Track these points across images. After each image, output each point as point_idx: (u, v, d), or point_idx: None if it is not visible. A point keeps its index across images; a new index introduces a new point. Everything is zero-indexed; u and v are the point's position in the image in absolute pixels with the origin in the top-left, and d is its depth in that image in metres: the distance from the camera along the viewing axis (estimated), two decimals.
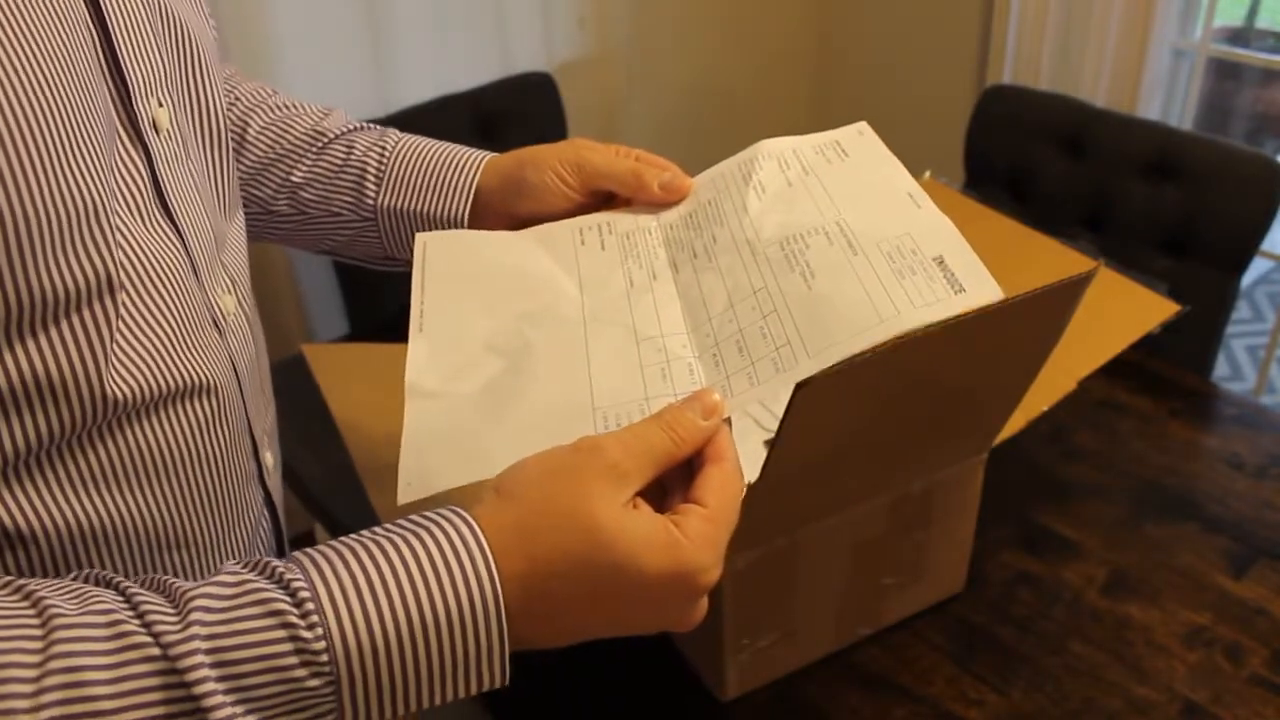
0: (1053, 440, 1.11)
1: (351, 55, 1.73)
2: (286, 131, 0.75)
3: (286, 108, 0.77)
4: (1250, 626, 0.88)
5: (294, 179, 0.73)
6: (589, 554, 0.42)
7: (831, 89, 2.46)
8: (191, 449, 0.51)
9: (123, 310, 0.46)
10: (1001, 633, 0.89)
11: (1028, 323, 0.69)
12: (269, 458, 0.61)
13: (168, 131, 0.51)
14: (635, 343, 0.56)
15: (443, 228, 0.71)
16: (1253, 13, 2.85)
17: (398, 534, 0.42)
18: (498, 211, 0.70)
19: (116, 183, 0.47)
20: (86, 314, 0.44)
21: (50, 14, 0.42)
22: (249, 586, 0.39)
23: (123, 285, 0.45)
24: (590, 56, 2.06)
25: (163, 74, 0.51)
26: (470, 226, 0.70)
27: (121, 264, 0.45)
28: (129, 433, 0.47)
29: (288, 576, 0.40)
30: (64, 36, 0.43)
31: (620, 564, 0.42)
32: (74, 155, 0.42)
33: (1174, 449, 1.10)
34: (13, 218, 0.39)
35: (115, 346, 0.45)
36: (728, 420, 0.49)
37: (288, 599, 0.39)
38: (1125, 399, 1.17)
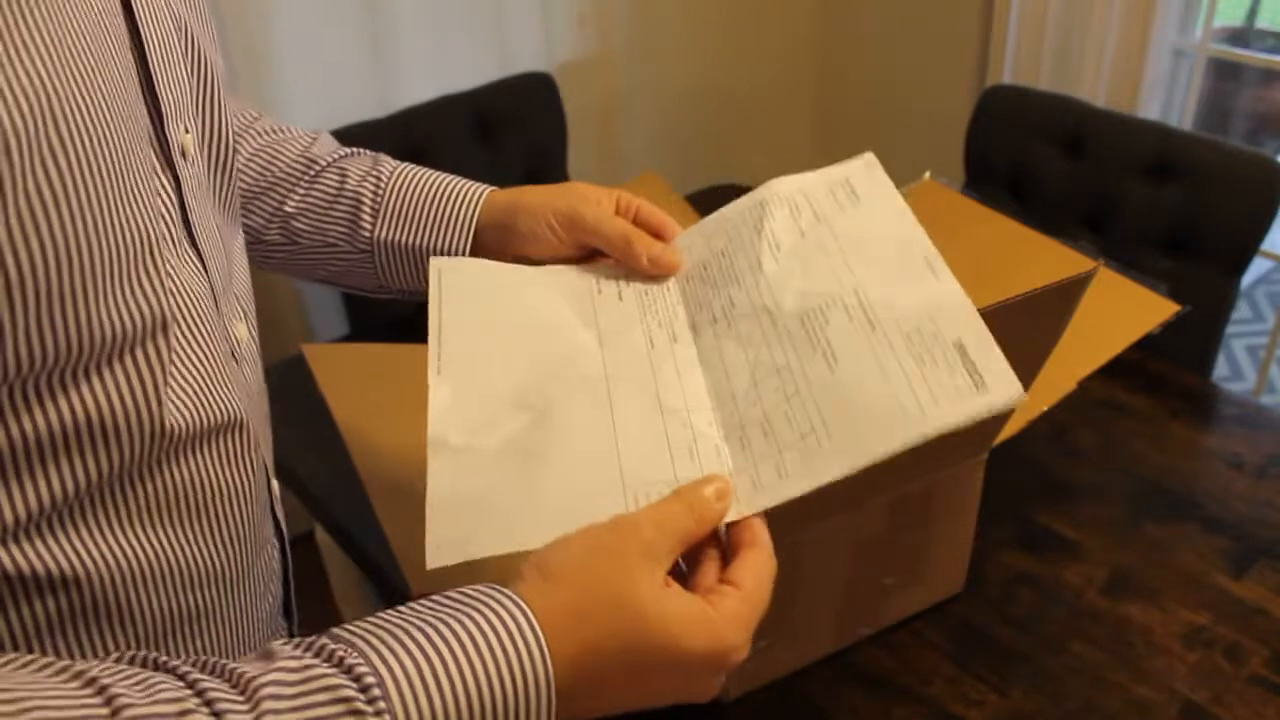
0: (1053, 440, 1.11)
1: (351, 55, 1.73)
2: (276, 159, 0.73)
3: (273, 133, 0.75)
4: (1250, 626, 0.88)
5: (286, 209, 0.72)
6: (635, 636, 0.44)
7: (831, 89, 2.46)
8: (224, 483, 0.50)
9: (175, 343, 0.45)
10: (1001, 633, 0.89)
11: (1028, 323, 0.69)
12: (276, 485, 0.61)
13: (193, 158, 0.50)
14: (660, 414, 0.56)
15: None
16: (1253, 13, 2.85)
17: (451, 614, 0.42)
18: (492, 251, 0.69)
19: (160, 214, 0.45)
20: (141, 352, 0.43)
21: (101, 40, 0.41)
22: (314, 672, 0.39)
23: (174, 319, 0.45)
24: (590, 56, 2.06)
25: (189, 100, 0.51)
26: None
27: (171, 296, 0.44)
28: (176, 467, 0.47)
29: (349, 661, 0.39)
30: (114, 63, 0.41)
31: (663, 644, 0.44)
32: (129, 186, 0.41)
33: (1174, 449, 1.10)
34: (76, 254, 0.38)
35: (170, 380, 0.45)
36: (762, 515, 0.50)
37: (353, 685, 0.39)
38: (1125, 399, 1.17)
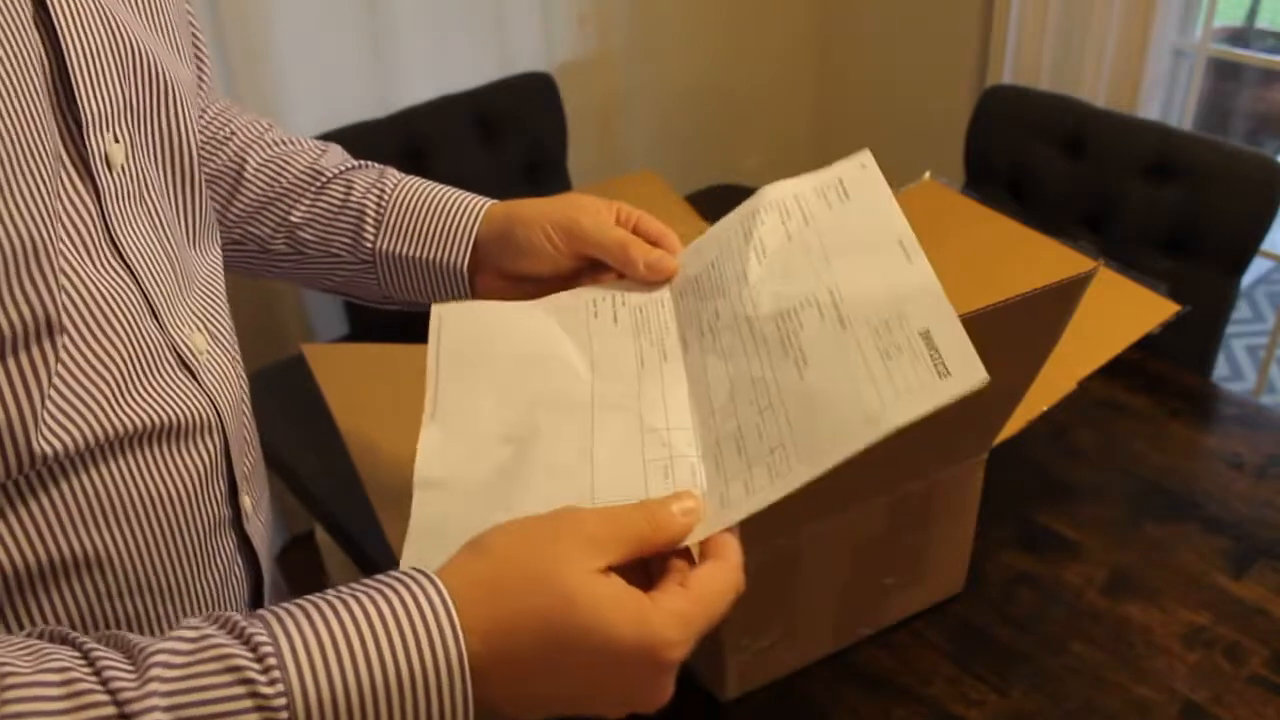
0: (1053, 440, 1.11)
1: (351, 55, 1.73)
2: (284, 169, 0.73)
3: (283, 144, 0.75)
4: (1250, 626, 0.88)
5: (292, 219, 0.72)
6: (556, 613, 0.42)
7: (832, 89, 2.46)
8: (147, 491, 0.50)
9: (63, 353, 0.44)
10: (1001, 633, 0.89)
11: (1028, 323, 0.69)
12: (248, 501, 0.59)
13: (122, 167, 0.50)
14: (640, 433, 0.56)
15: (443, 275, 0.70)
16: (1253, 13, 2.85)
17: (363, 592, 0.42)
18: (491, 264, 0.69)
19: (62, 219, 0.45)
20: (23, 356, 0.42)
21: None
22: (209, 642, 0.39)
23: (64, 327, 0.44)
24: (590, 56, 2.06)
25: (123, 108, 0.50)
26: (469, 274, 0.70)
27: (64, 305, 0.44)
28: (72, 478, 0.46)
29: (249, 631, 0.39)
30: (12, 64, 0.41)
31: (588, 626, 0.42)
32: (15, 190, 0.41)
33: (1174, 449, 1.10)
34: None
35: (53, 390, 0.44)
36: (734, 527, 0.49)
37: (249, 654, 0.38)
38: (1125, 399, 1.17)
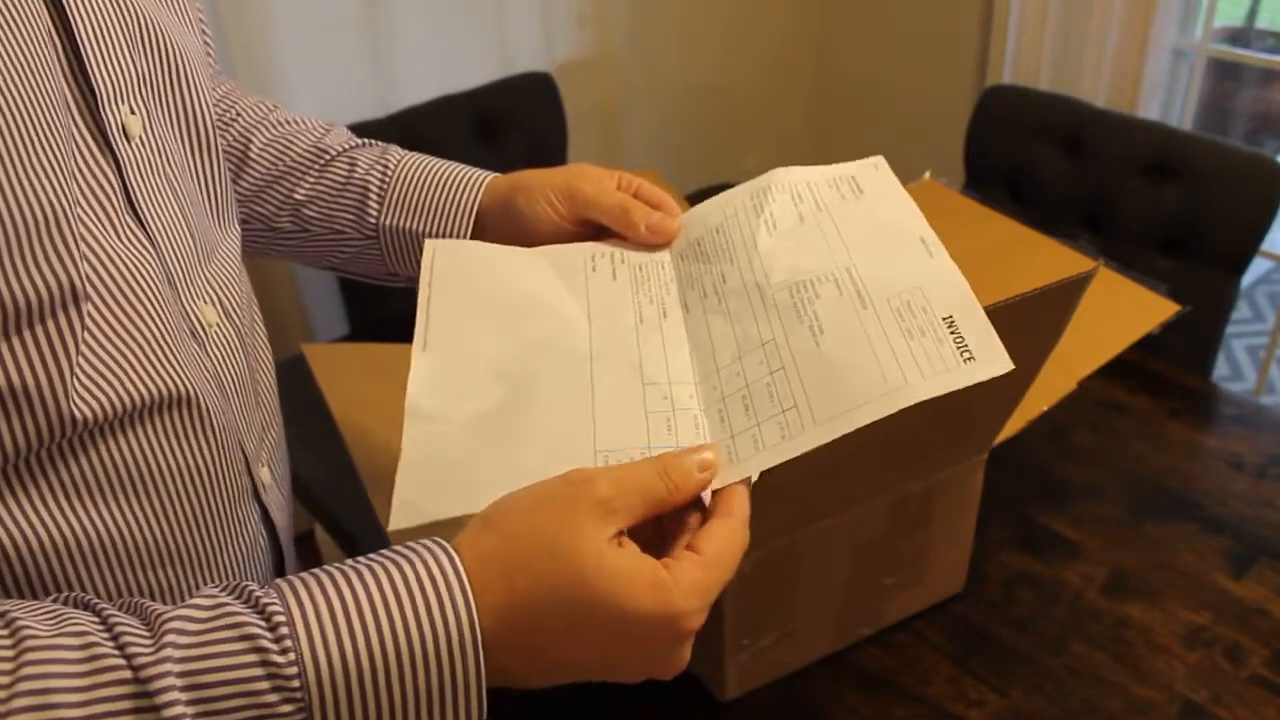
0: (1053, 440, 1.11)
1: (351, 55, 1.73)
2: (289, 149, 0.74)
3: (288, 124, 0.76)
4: (1250, 626, 0.88)
5: (297, 196, 0.73)
6: (569, 585, 0.42)
7: (832, 89, 2.46)
8: (172, 462, 0.50)
9: (89, 321, 0.45)
10: (1001, 633, 0.89)
11: (1028, 323, 0.69)
12: (265, 474, 0.60)
13: (140, 139, 0.50)
14: (641, 385, 0.56)
15: None
16: (1253, 13, 2.85)
17: (378, 563, 0.42)
18: (495, 235, 0.69)
19: (82, 191, 0.46)
20: (50, 324, 0.43)
21: (5, 21, 0.41)
22: (224, 610, 0.39)
23: (89, 295, 0.45)
24: (590, 56, 2.06)
25: (136, 81, 0.51)
26: None
27: (88, 274, 0.45)
28: (102, 446, 0.47)
29: (264, 601, 0.39)
30: (19, 43, 0.42)
31: (605, 600, 0.42)
32: (31, 162, 0.41)
33: (1174, 449, 1.10)
34: None
35: (81, 358, 0.45)
36: (746, 480, 0.49)
37: (262, 623, 0.39)
38: (1125, 399, 1.17)
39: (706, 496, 0.49)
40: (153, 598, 0.51)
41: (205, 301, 0.55)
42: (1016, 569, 0.95)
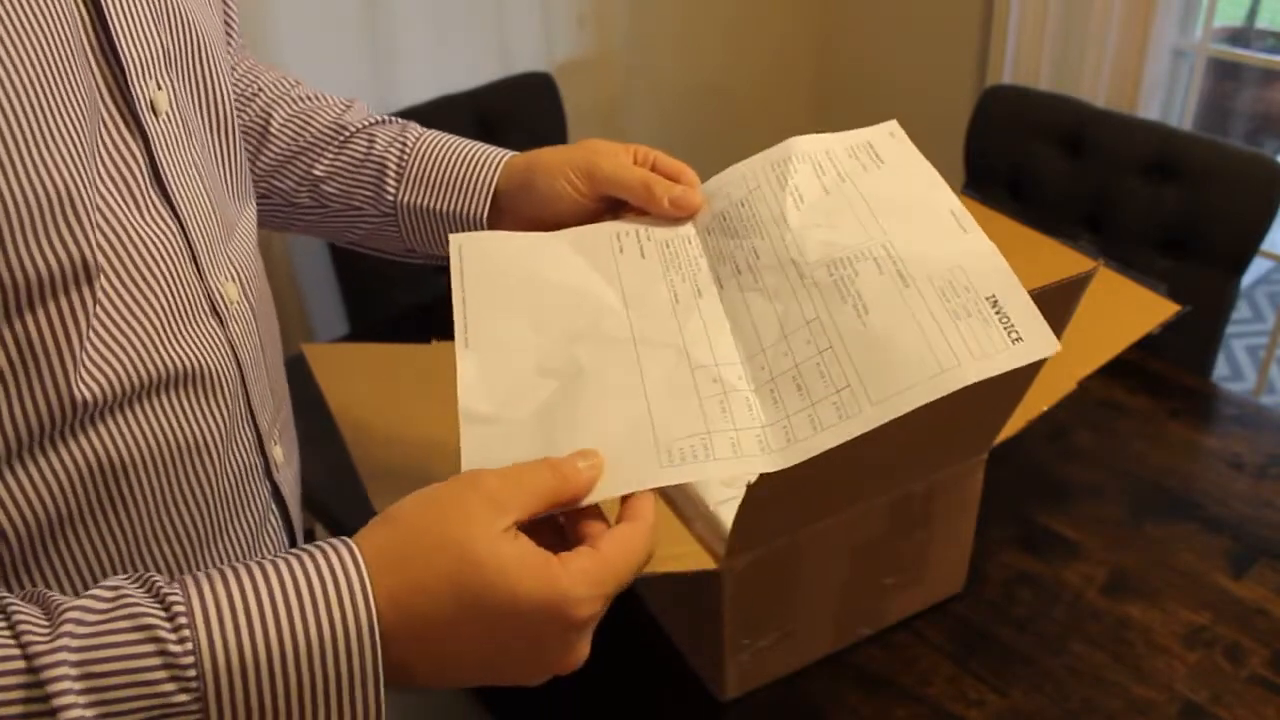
0: (1053, 440, 1.11)
1: (351, 55, 1.73)
2: (309, 124, 0.75)
3: (309, 99, 0.77)
4: (1250, 626, 0.88)
5: (316, 172, 0.74)
6: (461, 574, 0.42)
7: (832, 89, 2.46)
8: (183, 437, 0.51)
9: (102, 297, 0.45)
10: (1001, 633, 0.89)
11: None
12: (278, 452, 0.61)
13: (167, 114, 0.51)
14: (690, 369, 0.56)
15: (463, 226, 0.71)
16: (1253, 13, 2.85)
17: (283, 558, 0.42)
18: (513, 214, 0.70)
19: (107, 167, 0.46)
20: (61, 301, 0.43)
21: (30, 2, 0.41)
22: (123, 599, 0.39)
23: (103, 271, 0.45)
24: (590, 56, 2.06)
25: (162, 57, 0.51)
26: (489, 226, 0.70)
27: (103, 250, 0.45)
28: (110, 421, 0.47)
29: (164, 591, 0.39)
30: (49, 17, 0.42)
31: (494, 584, 0.42)
32: (48, 138, 0.41)
33: (1174, 449, 1.10)
34: None
35: (92, 333, 0.45)
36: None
37: (161, 613, 0.39)
38: (1125, 399, 1.17)
39: (610, 511, 0.49)
40: (160, 572, 0.51)
41: (227, 278, 0.55)
42: (1016, 569, 0.95)
